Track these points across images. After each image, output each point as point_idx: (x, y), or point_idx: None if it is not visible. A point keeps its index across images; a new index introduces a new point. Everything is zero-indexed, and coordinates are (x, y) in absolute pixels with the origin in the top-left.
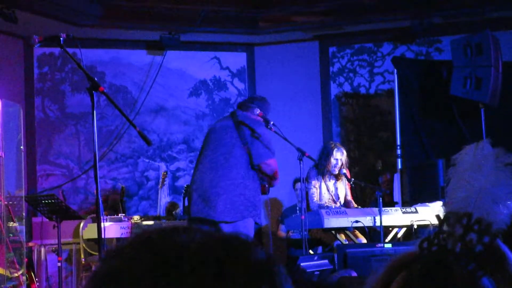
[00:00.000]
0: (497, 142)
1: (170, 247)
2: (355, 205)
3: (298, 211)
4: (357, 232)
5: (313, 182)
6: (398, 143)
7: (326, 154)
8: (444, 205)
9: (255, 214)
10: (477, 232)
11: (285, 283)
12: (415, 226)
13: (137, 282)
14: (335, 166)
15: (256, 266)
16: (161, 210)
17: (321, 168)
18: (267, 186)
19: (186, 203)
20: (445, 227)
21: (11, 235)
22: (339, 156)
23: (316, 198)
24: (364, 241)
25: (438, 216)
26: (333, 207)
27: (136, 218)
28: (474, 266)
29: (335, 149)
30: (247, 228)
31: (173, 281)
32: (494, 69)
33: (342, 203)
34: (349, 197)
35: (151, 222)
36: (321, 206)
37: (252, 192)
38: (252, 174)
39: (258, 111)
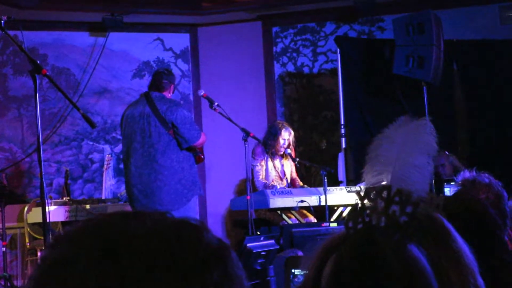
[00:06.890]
0: (439, 120)
1: (120, 235)
2: (300, 183)
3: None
4: (305, 212)
5: (259, 160)
6: (342, 122)
7: (274, 134)
8: (362, 180)
9: (197, 189)
10: (399, 203)
11: (237, 268)
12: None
13: (85, 270)
14: (282, 146)
15: (207, 252)
16: (106, 192)
17: (269, 149)
18: (202, 156)
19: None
20: (367, 203)
21: None
22: (287, 136)
23: (261, 176)
24: (314, 220)
25: (358, 193)
26: (279, 186)
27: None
28: (399, 235)
29: (283, 129)
30: (193, 207)
31: (122, 269)
32: (436, 48)
33: (288, 181)
34: (294, 175)
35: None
36: (266, 185)
37: (189, 171)
38: (184, 154)
39: (171, 87)
